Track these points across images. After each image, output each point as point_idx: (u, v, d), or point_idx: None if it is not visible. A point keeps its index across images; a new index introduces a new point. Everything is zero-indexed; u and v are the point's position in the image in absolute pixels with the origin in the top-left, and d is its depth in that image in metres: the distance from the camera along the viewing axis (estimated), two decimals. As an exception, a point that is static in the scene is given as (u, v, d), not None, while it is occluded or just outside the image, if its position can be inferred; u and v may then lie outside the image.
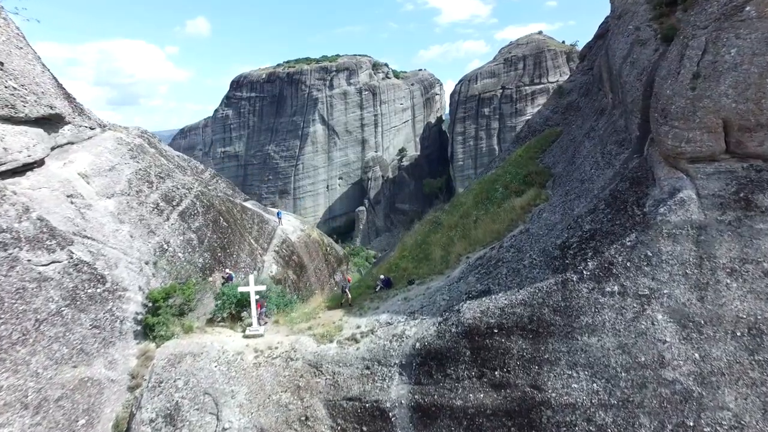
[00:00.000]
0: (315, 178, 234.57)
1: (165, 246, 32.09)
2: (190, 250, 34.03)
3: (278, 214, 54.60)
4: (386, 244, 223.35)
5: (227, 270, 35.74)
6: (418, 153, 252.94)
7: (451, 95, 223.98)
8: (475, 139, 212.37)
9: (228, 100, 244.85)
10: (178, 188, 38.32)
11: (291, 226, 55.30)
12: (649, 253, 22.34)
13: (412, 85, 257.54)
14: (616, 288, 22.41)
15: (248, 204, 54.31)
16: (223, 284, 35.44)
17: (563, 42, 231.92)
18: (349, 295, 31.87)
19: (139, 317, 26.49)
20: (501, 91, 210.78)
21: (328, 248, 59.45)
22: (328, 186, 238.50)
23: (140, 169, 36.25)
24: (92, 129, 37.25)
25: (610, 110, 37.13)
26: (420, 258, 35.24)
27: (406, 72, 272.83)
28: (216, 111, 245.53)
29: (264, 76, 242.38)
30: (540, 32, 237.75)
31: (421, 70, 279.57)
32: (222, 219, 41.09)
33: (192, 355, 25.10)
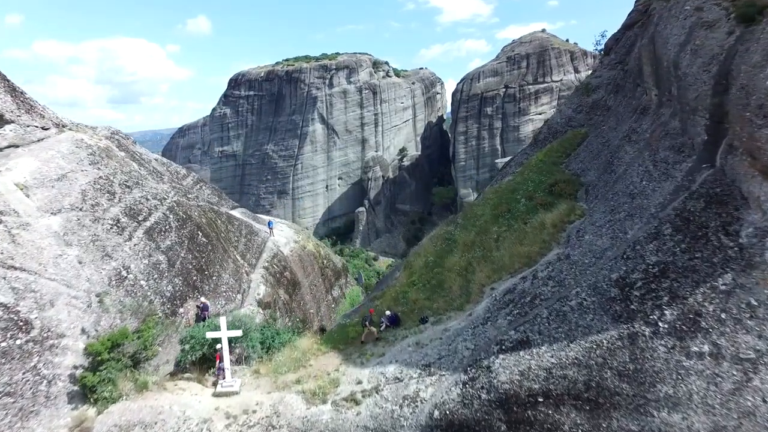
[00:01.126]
0: (314, 178, 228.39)
1: (124, 273, 26.08)
2: (156, 275, 28.02)
3: (269, 223, 48.57)
4: (386, 245, 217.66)
5: (202, 299, 29.78)
6: (419, 153, 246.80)
7: (453, 94, 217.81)
8: (478, 139, 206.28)
9: (226, 99, 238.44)
10: (147, 199, 32.30)
11: (284, 237, 49.27)
12: (754, 302, 16.43)
13: (413, 83, 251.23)
14: (706, 348, 16.51)
15: (236, 213, 48.33)
16: (197, 316, 29.47)
17: (567, 40, 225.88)
18: (374, 329, 26.00)
19: (78, 372, 20.46)
20: (504, 90, 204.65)
21: (325, 261, 53.41)
22: (327, 186, 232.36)
23: (101, 177, 30.21)
24: (45, 129, 31.28)
25: (655, 109, 31.13)
26: (433, 286, 29.25)
27: (407, 70, 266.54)
28: (214, 110, 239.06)
29: (263, 74, 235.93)
30: (543, 30, 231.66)
31: (422, 68, 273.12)
32: (201, 234, 35.10)
33: (143, 426, 19.11)
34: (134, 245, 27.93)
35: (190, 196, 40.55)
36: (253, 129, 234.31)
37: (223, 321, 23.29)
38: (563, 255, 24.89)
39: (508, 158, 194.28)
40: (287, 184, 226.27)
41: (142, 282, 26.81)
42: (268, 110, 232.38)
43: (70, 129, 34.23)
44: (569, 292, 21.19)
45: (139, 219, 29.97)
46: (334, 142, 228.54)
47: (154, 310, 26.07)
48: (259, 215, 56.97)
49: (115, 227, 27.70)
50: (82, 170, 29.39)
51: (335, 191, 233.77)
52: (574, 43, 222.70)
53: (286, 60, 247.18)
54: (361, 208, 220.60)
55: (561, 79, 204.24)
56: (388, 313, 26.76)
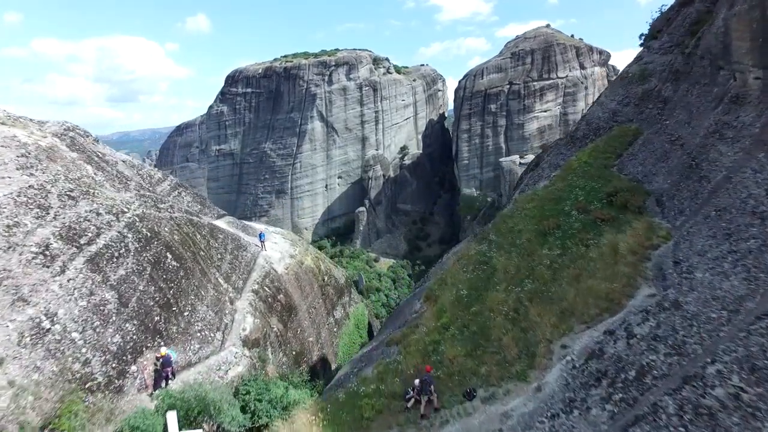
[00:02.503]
0: (313, 177, 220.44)
1: (46, 323, 18.45)
2: (98, 323, 20.37)
3: (260, 236, 40.84)
4: (387, 246, 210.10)
5: (163, 349, 22.10)
6: (421, 151, 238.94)
7: (456, 91, 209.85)
8: (481, 137, 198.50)
9: (223, 96, 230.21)
10: (98, 214, 24.61)
11: (278, 251, 41.58)
12: None
13: (414, 80, 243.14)
14: None
15: (222, 223, 40.68)
16: (156, 374, 21.80)
17: (572, 36, 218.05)
18: (435, 398, 18.39)
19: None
20: (508, 86, 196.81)
21: (326, 277, 45.72)
22: (326, 185, 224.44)
23: (30, 186, 22.54)
24: (-40, 124, 23.76)
25: (760, 96, 23.54)
26: (474, 335, 21.58)
27: (407, 67, 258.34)
28: (210, 107, 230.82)
29: (260, 71, 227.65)
30: (548, 25, 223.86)
31: (423, 65, 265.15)
32: (170, 256, 27.47)
33: None
34: (68, 281, 20.26)
35: (162, 206, 32.85)
36: (251, 127, 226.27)
37: (172, 419, 15.62)
38: (667, 300, 17.33)
39: (512, 156, 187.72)
40: (286, 184, 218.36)
41: (75, 334, 19.14)
42: (266, 108, 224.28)
43: (2, 123, 26.58)
44: (703, 369, 13.63)
45: (81, 242, 22.28)
46: (333, 141, 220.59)
47: (88, 377, 18.46)
48: (250, 224, 49.21)
49: (41, 257, 20.02)
50: (1, 177, 21.75)
51: (335, 191, 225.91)
52: (579, 39, 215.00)
53: (285, 56, 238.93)
54: (362, 208, 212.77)
55: (566, 76, 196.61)
56: (416, 382, 18.92)
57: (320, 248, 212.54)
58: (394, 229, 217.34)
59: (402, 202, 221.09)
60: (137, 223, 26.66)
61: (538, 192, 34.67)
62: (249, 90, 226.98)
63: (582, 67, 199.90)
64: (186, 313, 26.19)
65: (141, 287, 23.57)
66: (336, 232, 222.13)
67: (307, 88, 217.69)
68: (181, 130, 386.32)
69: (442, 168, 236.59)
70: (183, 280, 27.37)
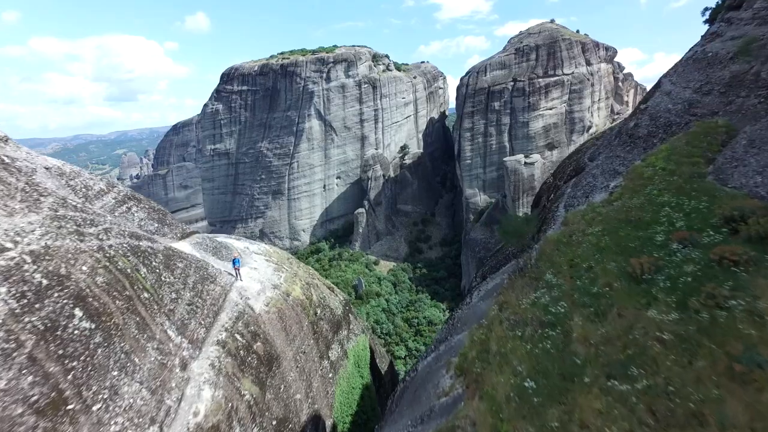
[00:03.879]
0: (311, 177, 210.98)
1: None
2: None
3: (234, 262, 31.38)
4: (388, 248, 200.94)
5: None
6: (422, 150, 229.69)
7: (458, 88, 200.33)
8: (485, 136, 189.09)
9: (218, 94, 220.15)
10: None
11: (257, 281, 32.16)
12: None
13: (415, 78, 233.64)
14: None
15: (185, 245, 31.27)
16: None
17: (578, 31, 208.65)
18: None
19: None
20: (512, 83, 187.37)
21: (319, 309, 36.31)
22: (325, 186, 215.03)
23: None
24: None
25: None
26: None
27: (407, 64, 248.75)
28: (205, 106, 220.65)
29: (256, 68, 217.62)
30: (552, 20, 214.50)
31: (423, 62, 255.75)
32: (81, 313, 18.12)
33: None
34: None
35: (91, 230, 23.45)
36: (247, 126, 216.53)
37: None
38: None
39: (516, 156, 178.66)
40: (282, 184, 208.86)
41: None
42: (262, 106, 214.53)
43: None
44: None
45: None
46: (331, 140, 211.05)
47: None
48: (227, 241, 39.68)
49: None
50: None
51: (333, 191, 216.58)
52: (585, 35, 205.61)
53: (282, 53, 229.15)
54: (361, 209, 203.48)
55: (572, 72, 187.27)
56: None
57: (318, 251, 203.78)
58: (394, 230, 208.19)
59: (402, 202, 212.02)
60: (27, 265, 17.35)
61: (599, 209, 25.29)
62: (245, 88, 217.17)
63: (588, 63, 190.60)
64: (97, 407, 16.85)
65: (1, 385, 14.23)
66: (335, 234, 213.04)
67: (304, 85, 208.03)
68: (177, 129, 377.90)
69: (444, 167, 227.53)
70: (99, 350, 18.01)
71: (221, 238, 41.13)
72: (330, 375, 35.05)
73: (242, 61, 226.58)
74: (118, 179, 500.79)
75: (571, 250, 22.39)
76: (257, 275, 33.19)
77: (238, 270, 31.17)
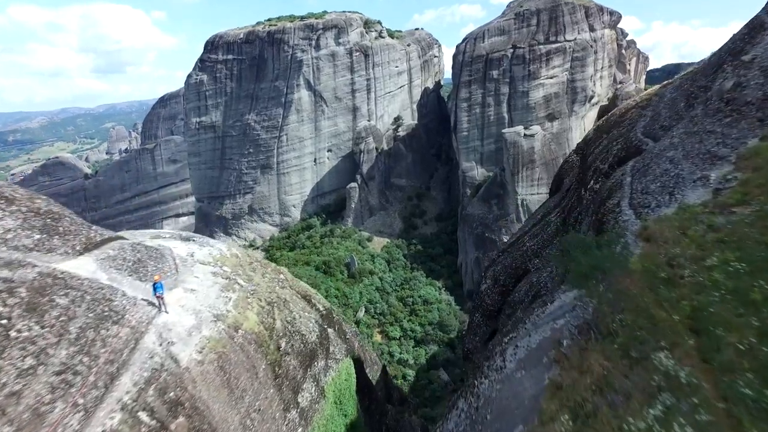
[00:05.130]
0: (301, 150, 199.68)
1: None
2: None
3: (156, 288, 21.55)
4: (381, 224, 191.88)
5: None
6: (416, 122, 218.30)
7: (455, 56, 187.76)
8: (482, 106, 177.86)
9: (202, 64, 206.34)
10: None
11: (191, 312, 22.55)
12: None
13: (409, 45, 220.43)
14: None
15: (88, 261, 21.62)
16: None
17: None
18: None
19: None
20: (512, 50, 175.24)
21: (285, 341, 26.79)
22: (315, 159, 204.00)
23: None
24: None
25: None
26: None
27: (401, 31, 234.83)
28: (189, 76, 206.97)
29: (242, 35, 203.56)
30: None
31: (417, 29, 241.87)
32: None
33: None
34: None
35: None
36: (233, 97, 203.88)
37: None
38: None
39: (516, 127, 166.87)
40: (271, 158, 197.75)
41: None
42: (248, 76, 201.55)
43: None
44: None
45: None
46: (322, 111, 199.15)
47: None
48: (167, 244, 29.85)
49: None
50: None
51: (324, 165, 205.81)
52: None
53: (269, 20, 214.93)
54: (353, 184, 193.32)
55: (575, 39, 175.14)
56: None
57: (309, 227, 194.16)
58: (388, 205, 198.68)
59: (396, 176, 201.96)
60: None
61: (711, 219, 15.70)
62: (230, 57, 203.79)
63: (591, 29, 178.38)
64: None
65: None
66: (326, 209, 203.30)
67: (292, 54, 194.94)
68: (165, 101, 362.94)
69: (439, 140, 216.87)
70: None
71: (158, 240, 31.15)
72: (299, 429, 25.86)
73: (228, 28, 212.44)
74: (107, 154, 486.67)
75: (683, 296, 12.90)
76: (193, 302, 23.54)
77: (162, 298, 21.45)
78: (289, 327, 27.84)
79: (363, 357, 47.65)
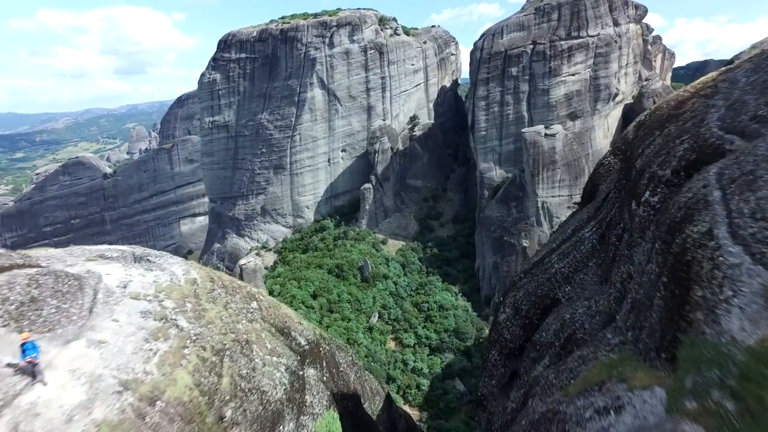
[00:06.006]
0: (314, 150, 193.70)
1: None
2: None
3: (25, 350, 14.86)
4: (396, 226, 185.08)
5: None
6: (432, 121, 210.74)
7: (472, 53, 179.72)
8: (501, 105, 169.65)
9: (215, 63, 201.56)
10: None
11: (85, 378, 15.91)
12: None
13: (425, 43, 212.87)
14: None
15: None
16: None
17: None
18: None
19: None
20: (532, 46, 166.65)
21: (234, 404, 20.01)
22: (329, 160, 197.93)
23: None
24: None
25: None
26: None
27: (417, 29, 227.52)
28: (202, 75, 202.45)
29: (255, 34, 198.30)
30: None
31: (434, 26, 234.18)
32: None
33: None
34: None
35: None
36: (246, 96, 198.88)
37: None
38: None
39: (536, 127, 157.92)
40: (284, 158, 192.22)
41: None
42: (261, 75, 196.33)
43: None
44: None
45: None
46: (336, 110, 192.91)
47: None
48: (84, 276, 23.19)
49: None
50: None
51: (338, 165, 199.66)
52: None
53: (282, 18, 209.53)
54: (367, 185, 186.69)
55: (598, 34, 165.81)
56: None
57: (323, 229, 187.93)
58: (403, 207, 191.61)
59: (412, 177, 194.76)
60: None
61: None
62: (243, 55, 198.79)
63: (616, 23, 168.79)
64: None
65: None
66: (340, 210, 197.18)
67: (305, 52, 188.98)
68: (182, 101, 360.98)
69: (456, 140, 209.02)
70: None
71: (93, 264, 24.56)
72: None
73: (241, 26, 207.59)
74: (127, 153, 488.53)
75: None
76: (95, 362, 16.84)
77: (35, 364, 14.82)
78: (244, 384, 21.02)
79: (361, 390, 40.93)
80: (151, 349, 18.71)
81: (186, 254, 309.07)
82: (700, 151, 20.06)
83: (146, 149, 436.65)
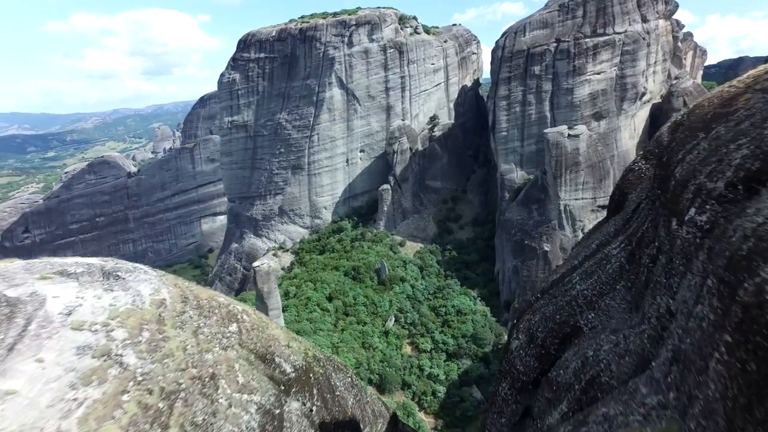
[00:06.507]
0: (332, 151, 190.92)
1: None
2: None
3: None
4: (415, 228, 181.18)
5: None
6: (453, 121, 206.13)
7: (493, 51, 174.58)
8: (523, 105, 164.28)
9: (234, 63, 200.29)
10: None
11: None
12: None
13: (446, 41, 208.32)
14: None
15: None
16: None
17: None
18: None
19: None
20: (555, 44, 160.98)
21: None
22: (347, 160, 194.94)
23: None
24: None
25: None
26: None
27: (438, 27, 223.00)
28: (222, 75, 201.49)
29: (274, 33, 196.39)
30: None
31: (455, 25, 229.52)
32: None
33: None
34: None
35: None
36: (265, 96, 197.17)
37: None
38: None
39: (559, 127, 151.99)
40: (302, 158, 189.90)
41: None
42: (280, 74, 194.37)
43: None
44: None
45: None
46: (354, 110, 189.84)
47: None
48: (23, 300, 20.11)
49: None
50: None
51: (357, 166, 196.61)
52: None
53: (302, 17, 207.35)
54: (386, 186, 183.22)
55: (625, 31, 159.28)
56: None
57: (340, 230, 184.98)
58: (422, 208, 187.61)
59: (431, 178, 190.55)
60: None
61: None
62: (262, 55, 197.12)
63: (644, 19, 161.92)
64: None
65: None
66: (358, 211, 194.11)
67: (324, 51, 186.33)
68: (204, 101, 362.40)
69: (477, 140, 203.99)
70: None
71: (44, 283, 21.12)
72: None
73: (260, 26, 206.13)
74: (152, 152, 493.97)
75: None
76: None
77: None
78: (199, 435, 17.41)
79: (361, 415, 37.24)
80: (75, 399, 15.25)
81: (207, 252, 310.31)
82: (764, 156, 15.82)
83: (170, 148, 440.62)
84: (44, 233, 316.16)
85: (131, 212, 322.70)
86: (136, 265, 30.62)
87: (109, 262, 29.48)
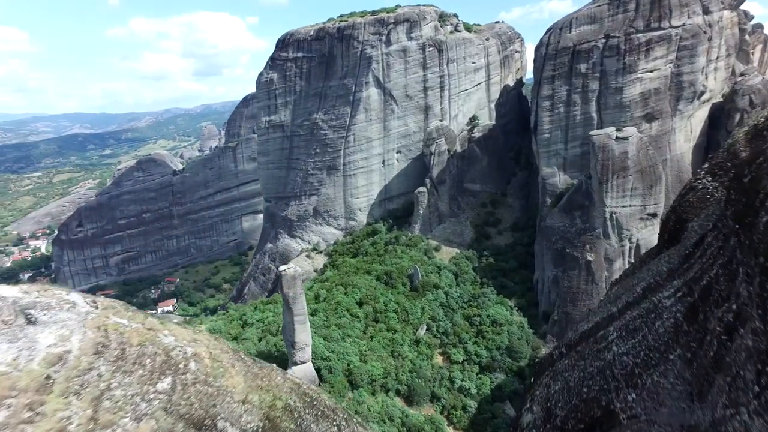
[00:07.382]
0: (368, 152, 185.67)
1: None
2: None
3: None
4: (451, 232, 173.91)
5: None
6: (493, 122, 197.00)
7: (537, 49, 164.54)
8: (567, 105, 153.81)
9: (273, 62, 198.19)
10: None
11: None
12: None
13: (487, 40, 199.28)
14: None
15: None
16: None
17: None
18: None
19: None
20: (604, 40, 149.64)
21: None
22: (384, 161, 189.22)
23: None
24: None
25: None
26: None
27: (479, 25, 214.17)
28: (260, 75, 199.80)
29: (312, 32, 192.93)
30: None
31: (497, 22, 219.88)
32: None
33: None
34: None
35: None
36: (302, 96, 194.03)
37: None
38: None
39: (606, 129, 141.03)
40: (338, 159, 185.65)
41: None
42: (317, 74, 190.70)
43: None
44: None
45: None
46: (391, 110, 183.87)
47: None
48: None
49: None
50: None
51: (393, 167, 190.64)
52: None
53: (341, 16, 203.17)
54: (422, 188, 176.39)
55: (683, 24, 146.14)
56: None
57: (375, 232, 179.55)
58: (459, 212, 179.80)
59: (470, 181, 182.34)
60: None
61: None
62: (300, 54, 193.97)
63: (706, 11, 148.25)
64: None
65: None
66: (393, 214, 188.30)
67: (362, 50, 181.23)
68: (247, 101, 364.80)
69: (518, 142, 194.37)
70: None
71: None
72: None
73: (300, 26, 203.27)
74: (199, 151, 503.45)
75: None
76: None
77: None
78: None
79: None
80: None
81: (247, 250, 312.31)
82: None
83: (215, 147, 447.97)
84: (95, 228, 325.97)
85: (175, 209, 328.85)
86: (71, 296, 24.71)
87: (28, 298, 23.61)
